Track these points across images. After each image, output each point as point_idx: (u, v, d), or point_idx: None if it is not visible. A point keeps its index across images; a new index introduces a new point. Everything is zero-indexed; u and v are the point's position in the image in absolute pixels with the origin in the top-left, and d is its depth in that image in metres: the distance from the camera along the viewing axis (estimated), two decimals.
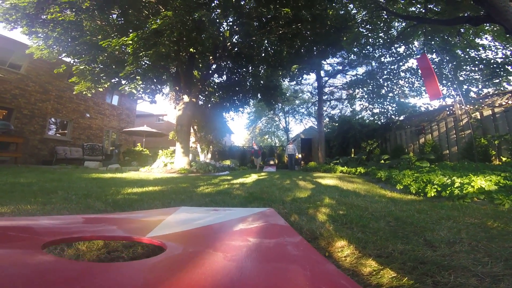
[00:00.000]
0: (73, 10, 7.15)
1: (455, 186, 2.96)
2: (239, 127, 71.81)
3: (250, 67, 11.95)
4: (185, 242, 0.94)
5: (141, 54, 6.96)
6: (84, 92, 8.40)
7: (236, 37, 9.99)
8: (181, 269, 0.68)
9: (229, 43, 9.77)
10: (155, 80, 10.35)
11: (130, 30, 7.52)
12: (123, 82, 9.01)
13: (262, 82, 12.30)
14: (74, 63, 8.55)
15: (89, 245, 1.16)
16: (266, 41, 10.55)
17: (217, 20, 8.77)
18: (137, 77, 7.64)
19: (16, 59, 10.62)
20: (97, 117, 14.46)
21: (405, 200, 2.89)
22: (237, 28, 9.30)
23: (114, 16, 8.00)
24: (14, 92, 10.38)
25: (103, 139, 14.88)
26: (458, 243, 1.34)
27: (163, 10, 7.27)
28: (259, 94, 12.89)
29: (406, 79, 12.98)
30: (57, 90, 12.00)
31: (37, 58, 8.50)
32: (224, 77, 12.77)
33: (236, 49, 10.21)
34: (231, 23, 9.71)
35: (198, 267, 0.66)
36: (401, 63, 12.41)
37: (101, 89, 8.81)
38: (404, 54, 12.02)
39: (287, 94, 20.63)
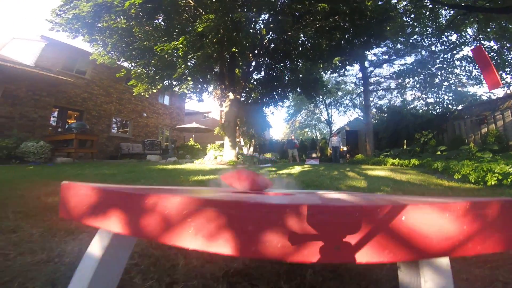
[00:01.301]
0: (124, 17, 7.92)
1: None
2: (278, 121, 71.96)
3: (288, 62, 11.98)
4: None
5: (190, 56, 7.54)
6: (142, 93, 9.37)
7: (271, 33, 10.10)
8: None
9: (266, 41, 9.95)
10: (201, 80, 11.06)
11: (175, 35, 8.13)
12: (174, 83, 9.83)
13: (301, 75, 12.25)
14: (132, 67, 9.53)
15: None
16: (302, 36, 10.46)
17: (253, 20, 8.99)
18: (188, 78, 8.25)
19: (81, 65, 12.07)
20: (153, 116, 15.98)
21: (463, 188, 2.85)
22: (272, 26, 9.41)
23: (159, 21, 8.64)
24: (83, 95, 11.94)
25: (158, 136, 16.40)
26: None
27: (203, 13, 7.71)
28: (298, 88, 12.87)
29: (462, 68, 11.90)
30: (117, 92, 13.50)
31: (99, 64, 9.60)
32: (263, 73, 13.00)
33: (273, 45, 10.34)
34: (265, 21, 9.85)
35: None
36: (454, 52, 11.39)
37: (155, 91, 9.73)
38: (457, 42, 11.01)
39: (329, 86, 20.11)
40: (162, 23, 8.54)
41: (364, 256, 0.37)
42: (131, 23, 8.12)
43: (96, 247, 0.65)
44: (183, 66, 7.91)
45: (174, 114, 18.10)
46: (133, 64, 9.40)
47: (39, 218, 1.63)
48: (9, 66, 8.63)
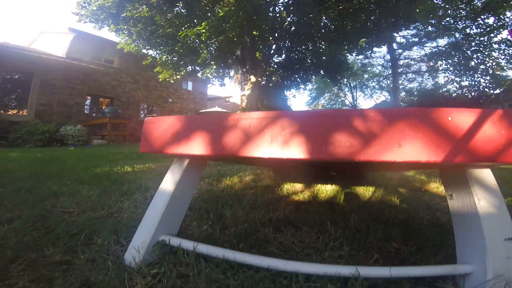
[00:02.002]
0: (146, 6, 8.05)
1: None
2: (300, 104, 70.75)
3: (310, 45, 11.64)
4: None
5: (212, 41, 7.61)
6: (168, 79, 9.65)
7: (292, 16, 9.83)
8: None
9: (286, 23, 9.74)
10: (222, 65, 11.14)
11: (195, 21, 8.18)
12: (198, 68, 10.00)
13: (324, 58, 11.90)
14: (157, 55, 9.78)
15: None
16: (324, 18, 10.08)
17: (273, 2, 8.79)
18: (211, 63, 8.35)
19: (108, 55, 12.51)
20: (177, 101, 16.48)
21: (496, 169, 2.75)
22: (292, 8, 9.14)
23: (180, 8, 8.67)
24: (113, 83, 12.48)
25: None
26: None
27: None
28: (321, 70, 12.56)
29: (501, 51, 11.07)
30: (144, 80, 13.97)
31: (126, 52, 9.89)
32: (284, 56, 12.78)
33: (293, 28, 10.10)
34: (285, 4, 9.58)
35: None
36: (492, 35, 10.58)
37: (179, 77, 9.98)
38: (494, 25, 10.19)
39: (354, 69, 19.40)
40: (183, 10, 8.60)
41: (423, 155, 0.42)
42: (153, 12, 8.25)
43: (168, 182, 0.75)
44: (205, 51, 8.01)
45: (197, 99, 18.59)
46: (158, 51, 9.64)
47: (93, 184, 1.81)
48: (45, 57, 9.21)
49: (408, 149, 0.43)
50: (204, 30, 7.21)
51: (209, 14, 7.76)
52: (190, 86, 17.87)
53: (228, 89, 32.37)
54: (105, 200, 1.43)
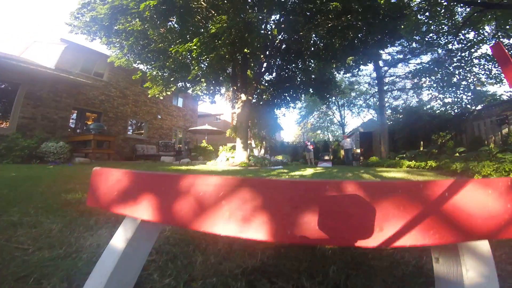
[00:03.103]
0: (140, 19, 8.07)
1: None
2: (289, 123, 71.85)
3: (300, 63, 11.91)
4: None
5: (204, 57, 7.63)
6: (157, 95, 9.56)
7: (283, 34, 10.08)
8: None
9: (277, 41, 9.95)
10: (213, 82, 11.18)
11: (188, 37, 8.25)
12: (188, 85, 9.97)
13: (313, 76, 12.16)
14: (148, 70, 9.75)
15: None
16: (314, 35, 10.39)
17: (265, 20, 9.02)
18: (201, 79, 8.35)
19: (99, 68, 12.38)
20: (167, 118, 16.29)
21: None
22: (283, 26, 9.40)
23: (173, 23, 8.76)
24: (101, 97, 12.26)
25: (172, 137, 16.69)
26: None
27: (215, 14, 7.78)
28: (310, 88, 12.80)
29: (481, 66, 11.61)
30: (133, 95, 13.82)
31: (116, 66, 9.81)
32: (274, 74, 12.97)
33: (284, 45, 10.33)
34: (277, 21, 9.85)
35: None
36: (472, 50, 11.15)
37: (169, 93, 9.91)
38: (474, 40, 10.78)
39: (342, 87, 19.89)
40: (176, 25, 8.68)
41: (409, 239, 0.34)
42: (146, 26, 8.29)
43: (119, 239, 0.64)
44: (196, 67, 8.03)
45: (187, 116, 18.37)
46: (148, 66, 9.62)
47: (59, 214, 1.66)
48: (32, 68, 8.98)
49: (392, 234, 0.34)
50: (195, 47, 7.23)
51: (201, 30, 7.85)
52: (180, 102, 17.78)
53: (219, 106, 32.52)
54: (67, 235, 1.30)
